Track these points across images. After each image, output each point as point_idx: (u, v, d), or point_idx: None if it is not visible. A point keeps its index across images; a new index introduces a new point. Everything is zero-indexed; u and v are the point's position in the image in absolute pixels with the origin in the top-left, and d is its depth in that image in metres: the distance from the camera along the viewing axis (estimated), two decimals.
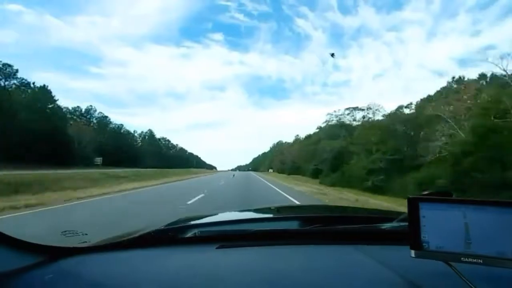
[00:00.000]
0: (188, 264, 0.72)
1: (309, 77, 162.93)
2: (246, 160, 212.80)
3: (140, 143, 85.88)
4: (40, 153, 37.05)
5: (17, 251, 0.65)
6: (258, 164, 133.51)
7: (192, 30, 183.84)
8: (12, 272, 0.60)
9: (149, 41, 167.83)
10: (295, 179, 35.75)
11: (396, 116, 30.18)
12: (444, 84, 37.67)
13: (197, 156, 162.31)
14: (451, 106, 19.75)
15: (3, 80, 43.12)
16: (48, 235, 3.74)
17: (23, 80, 46.10)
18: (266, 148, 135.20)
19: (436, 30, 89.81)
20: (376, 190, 20.53)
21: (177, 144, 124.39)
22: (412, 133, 24.35)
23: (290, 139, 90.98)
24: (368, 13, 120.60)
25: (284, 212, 1.56)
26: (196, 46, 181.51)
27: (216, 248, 0.80)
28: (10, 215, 6.06)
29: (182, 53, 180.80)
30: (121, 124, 78.30)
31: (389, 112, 34.57)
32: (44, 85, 47.54)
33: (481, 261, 0.48)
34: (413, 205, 0.53)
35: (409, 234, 0.53)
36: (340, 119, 40.54)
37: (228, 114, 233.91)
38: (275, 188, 17.33)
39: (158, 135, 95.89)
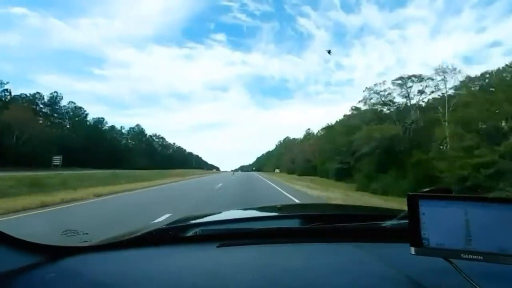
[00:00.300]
0: (190, 262, 0.72)
1: (312, 76, 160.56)
2: (250, 160, 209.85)
3: (128, 141, 75.41)
4: None
5: (18, 250, 0.65)
6: (263, 164, 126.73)
7: (194, 31, 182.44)
8: (12, 272, 0.59)
9: (152, 42, 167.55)
10: (313, 182, 25.30)
11: None
12: None
13: (197, 156, 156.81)
14: None
15: None
16: None
17: None
18: (269, 148, 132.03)
19: (440, 28, 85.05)
20: None
21: (174, 143, 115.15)
22: None
23: (295, 137, 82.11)
24: (371, 11, 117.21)
25: (285, 210, 1.58)
26: (199, 47, 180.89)
27: (217, 246, 0.80)
28: None
29: (184, 53, 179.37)
30: (102, 118, 67.63)
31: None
32: None
33: (482, 258, 0.48)
34: (413, 202, 0.53)
35: (409, 231, 0.53)
36: (386, 96, 28.17)
37: (231, 115, 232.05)
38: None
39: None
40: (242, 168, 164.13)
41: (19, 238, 0.64)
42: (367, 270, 0.65)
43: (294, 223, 1.08)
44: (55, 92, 55.42)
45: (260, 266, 0.69)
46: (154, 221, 5.16)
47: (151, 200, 9.64)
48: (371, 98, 28.99)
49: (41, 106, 52.01)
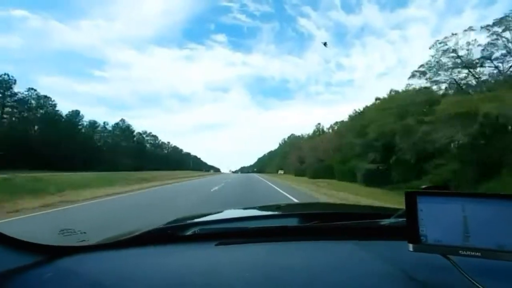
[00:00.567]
0: (188, 261, 0.73)
1: (313, 77, 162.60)
2: (251, 160, 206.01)
3: (112, 140, 66.10)
4: None
5: (15, 250, 0.65)
6: (264, 165, 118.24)
7: (195, 32, 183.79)
8: (10, 271, 0.60)
9: (153, 43, 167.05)
10: (338, 187, 17.09)
11: None
12: None
13: (195, 157, 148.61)
14: None
15: None
16: None
17: None
18: (271, 149, 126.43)
19: (441, 27, 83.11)
20: None
21: (168, 142, 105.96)
22: None
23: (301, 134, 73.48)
24: (372, 11, 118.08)
25: (283, 209, 1.55)
26: (199, 48, 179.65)
27: (216, 245, 0.80)
28: None
29: (185, 55, 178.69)
30: (77, 111, 57.42)
31: None
32: None
33: (480, 254, 0.48)
34: (411, 199, 0.52)
35: (406, 228, 0.53)
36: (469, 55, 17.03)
37: (231, 115, 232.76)
38: None
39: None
40: (243, 170, 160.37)
41: (17, 238, 0.64)
42: (366, 268, 0.65)
43: (292, 222, 1.07)
44: (5, 74, 43.92)
45: (258, 264, 0.69)
46: None
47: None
48: (436, 67, 17.78)
49: None
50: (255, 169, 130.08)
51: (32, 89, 48.36)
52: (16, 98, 45.35)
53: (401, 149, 18.41)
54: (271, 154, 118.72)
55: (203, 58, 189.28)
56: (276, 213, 1.37)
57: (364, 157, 26.37)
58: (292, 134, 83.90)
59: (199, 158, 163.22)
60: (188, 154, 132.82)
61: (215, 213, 1.31)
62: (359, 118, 32.62)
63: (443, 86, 18.93)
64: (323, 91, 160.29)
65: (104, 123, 65.29)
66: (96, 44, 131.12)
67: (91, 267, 0.68)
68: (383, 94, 29.43)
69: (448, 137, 13.77)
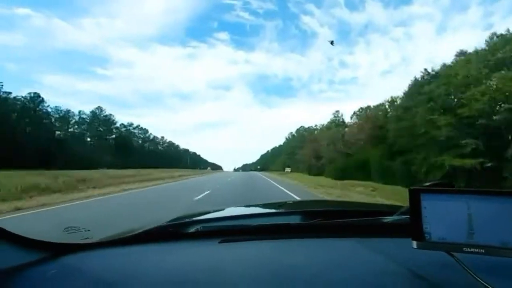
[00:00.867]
0: (191, 258, 0.73)
1: (316, 74, 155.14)
2: (253, 158, 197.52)
3: (87, 131, 55.85)
4: None
5: (19, 247, 0.65)
6: (268, 162, 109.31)
7: (197, 30, 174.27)
8: (14, 268, 0.60)
9: (155, 41, 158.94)
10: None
11: None
12: None
13: (194, 153, 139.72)
14: None
15: None
16: None
17: None
18: (273, 146, 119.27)
19: (446, 24, 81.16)
20: None
21: (162, 137, 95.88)
22: None
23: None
24: (376, 8, 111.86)
25: (286, 207, 1.55)
26: (202, 46, 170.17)
27: (219, 242, 0.81)
28: None
29: (187, 53, 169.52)
30: (36, 93, 47.66)
31: None
32: None
33: (484, 251, 0.48)
34: (414, 196, 0.52)
35: (410, 225, 0.53)
36: None
37: (234, 113, 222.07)
38: None
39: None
40: (245, 167, 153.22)
41: (21, 235, 0.64)
42: (369, 265, 0.66)
43: (295, 219, 1.07)
44: None
45: (261, 262, 0.70)
46: None
47: None
48: None
49: None
50: (258, 167, 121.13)
51: None
52: None
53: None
54: (274, 151, 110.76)
55: (205, 56, 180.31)
56: (279, 210, 1.37)
57: (449, 148, 16.08)
58: (301, 126, 73.30)
59: (199, 155, 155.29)
60: (186, 151, 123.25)
61: (217, 210, 1.30)
62: (436, 84, 20.85)
63: None
64: (326, 89, 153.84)
65: (79, 112, 55.37)
66: (99, 42, 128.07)
67: (95, 264, 0.69)
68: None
69: None
